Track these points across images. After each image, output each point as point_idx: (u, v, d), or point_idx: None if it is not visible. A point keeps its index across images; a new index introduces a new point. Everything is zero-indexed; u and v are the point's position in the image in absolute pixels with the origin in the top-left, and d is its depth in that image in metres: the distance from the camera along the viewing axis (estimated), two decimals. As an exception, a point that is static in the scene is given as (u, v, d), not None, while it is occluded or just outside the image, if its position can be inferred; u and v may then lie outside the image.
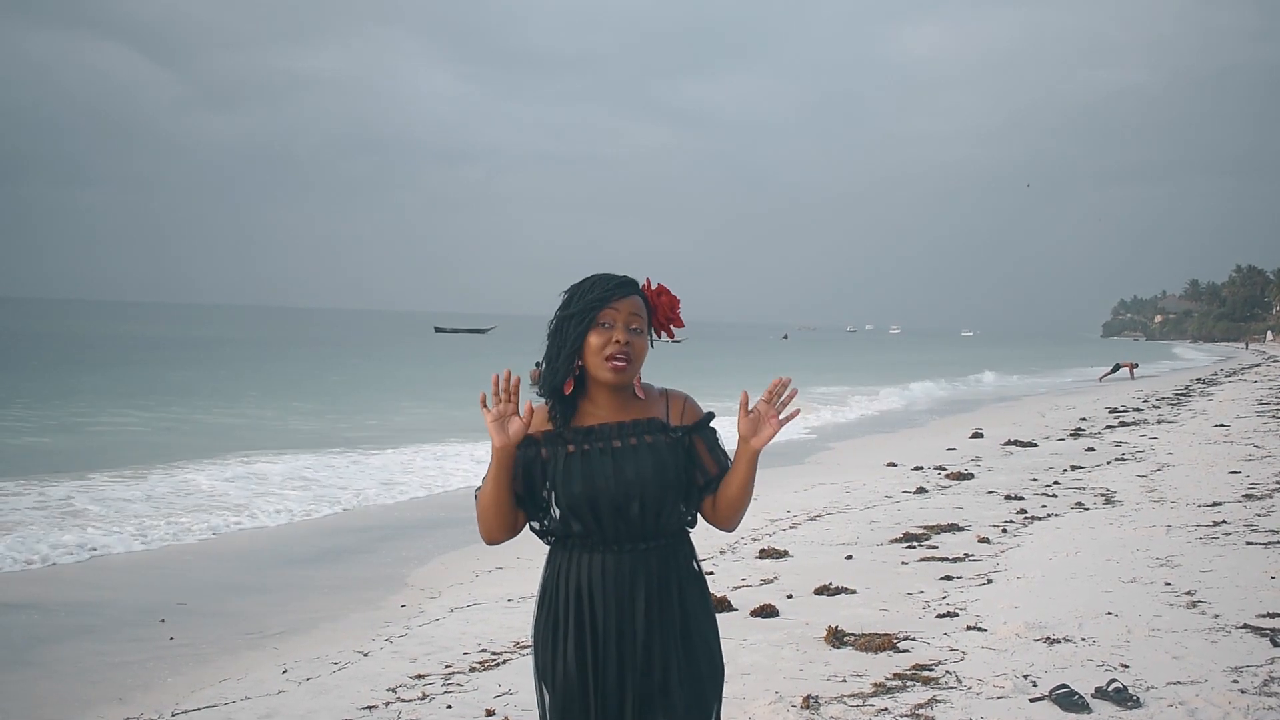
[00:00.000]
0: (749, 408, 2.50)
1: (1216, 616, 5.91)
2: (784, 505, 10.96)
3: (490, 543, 2.62)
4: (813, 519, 10.14)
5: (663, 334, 2.65)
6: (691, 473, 2.58)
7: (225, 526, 10.41)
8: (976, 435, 18.39)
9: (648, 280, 2.63)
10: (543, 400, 2.59)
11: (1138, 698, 4.62)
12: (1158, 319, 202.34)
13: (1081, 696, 4.60)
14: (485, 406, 2.47)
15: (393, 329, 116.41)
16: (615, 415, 2.57)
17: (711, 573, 7.40)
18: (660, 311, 2.62)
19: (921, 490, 11.79)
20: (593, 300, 2.52)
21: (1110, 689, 4.66)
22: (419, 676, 5.51)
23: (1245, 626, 5.68)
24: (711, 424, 2.63)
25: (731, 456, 2.59)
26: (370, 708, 5.04)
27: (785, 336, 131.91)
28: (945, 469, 13.67)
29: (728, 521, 2.60)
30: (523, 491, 2.56)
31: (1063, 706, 4.56)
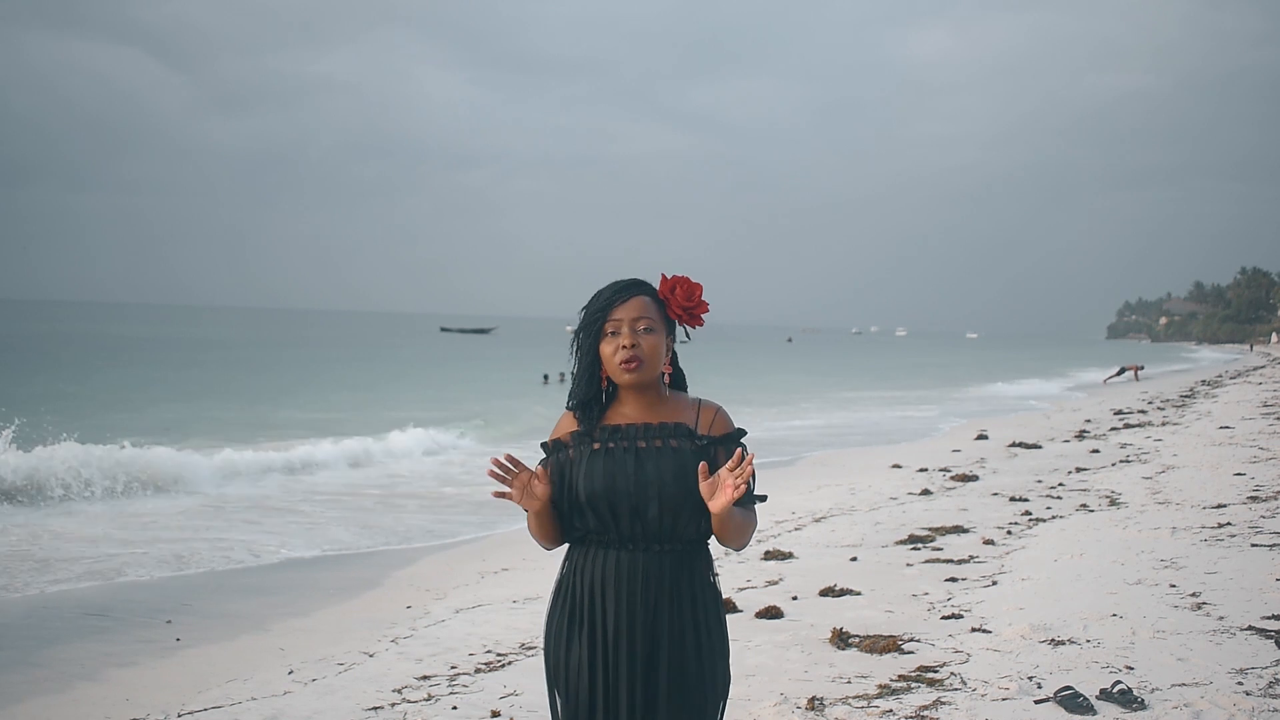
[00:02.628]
0: (708, 475, 2.47)
1: (1221, 619, 5.91)
2: (789, 507, 10.97)
3: (549, 550, 2.70)
4: (817, 521, 10.15)
5: (685, 325, 2.67)
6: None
7: (230, 528, 10.43)
8: (981, 437, 18.39)
9: (663, 275, 2.65)
10: (571, 411, 2.65)
11: (1142, 699, 4.62)
12: (1163, 321, 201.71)
13: (1086, 698, 4.60)
14: (505, 494, 2.54)
15: (400, 331, 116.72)
16: (643, 417, 2.61)
17: (717, 574, 7.40)
18: (674, 304, 2.63)
19: (926, 492, 11.79)
20: (595, 312, 2.59)
21: (1115, 691, 4.67)
22: (424, 678, 5.53)
23: (1250, 628, 5.68)
24: (743, 440, 2.63)
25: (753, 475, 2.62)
26: (376, 709, 5.05)
27: (790, 340, 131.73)
28: (950, 471, 13.67)
29: (726, 544, 2.60)
30: (558, 496, 2.60)
31: (1067, 708, 4.56)
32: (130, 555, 9.06)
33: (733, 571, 7.79)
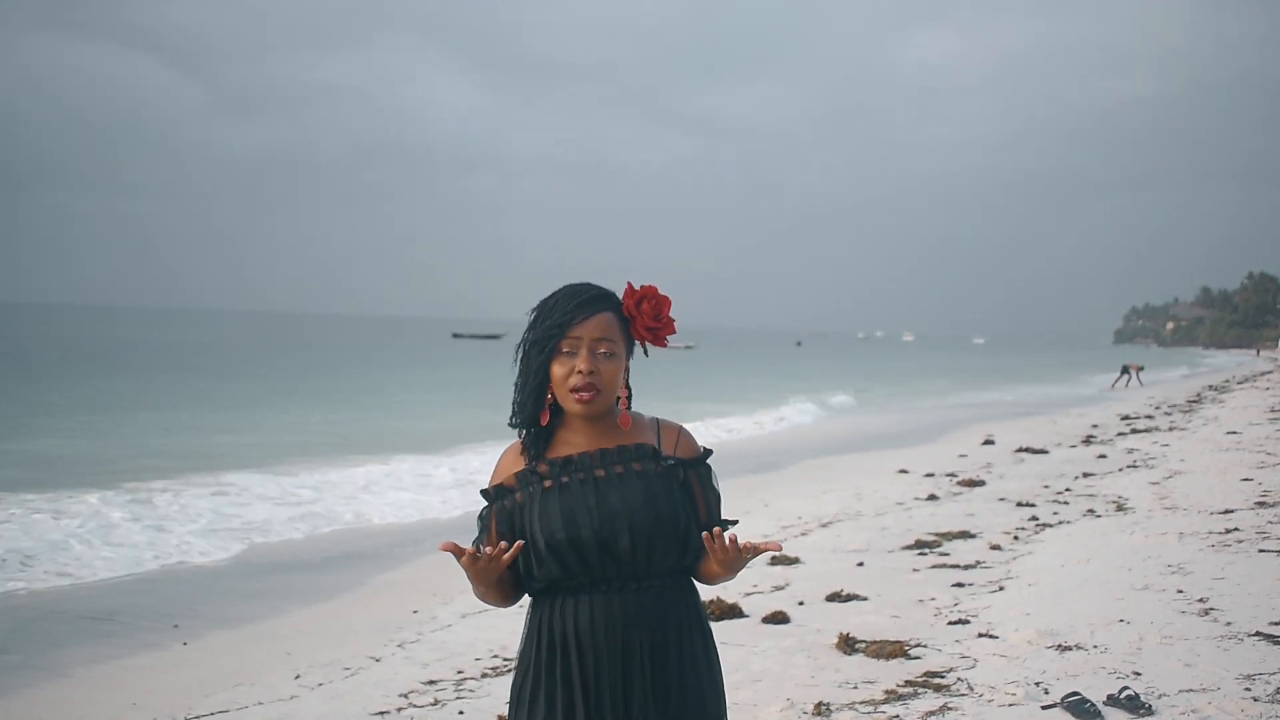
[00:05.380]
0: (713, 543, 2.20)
1: (1229, 624, 5.89)
2: (795, 512, 10.96)
3: (505, 609, 2.44)
4: (824, 526, 10.13)
5: (648, 344, 2.36)
6: (689, 508, 2.31)
7: (239, 532, 10.44)
8: (988, 442, 18.34)
9: (629, 285, 2.34)
10: (518, 438, 2.36)
11: (1150, 705, 4.61)
12: (1169, 326, 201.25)
13: (1094, 704, 4.59)
14: (468, 555, 2.16)
15: (411, 336, 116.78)
16: (596, 444, 2.30)
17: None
18: (640, 321, 2.32)
19: (933, 497, 11.76)
20: (551, 327, 2.26)
21: (1122, 696, 4.65)
22: (431, 682, 5.54)
23: (1258, 634, 5.66)
24: (708, 461, 2.37)
25: (720, 499, 2.37)
26: (382, 713, 5.06)
27: (799, 343, 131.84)
28: (957, 476, 13.63)
29: (706, 582, 2.37)
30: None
31: (1075, 714, 4.55)
32: (135, 558, 9.07)
33: (739, 576, 7.77)
